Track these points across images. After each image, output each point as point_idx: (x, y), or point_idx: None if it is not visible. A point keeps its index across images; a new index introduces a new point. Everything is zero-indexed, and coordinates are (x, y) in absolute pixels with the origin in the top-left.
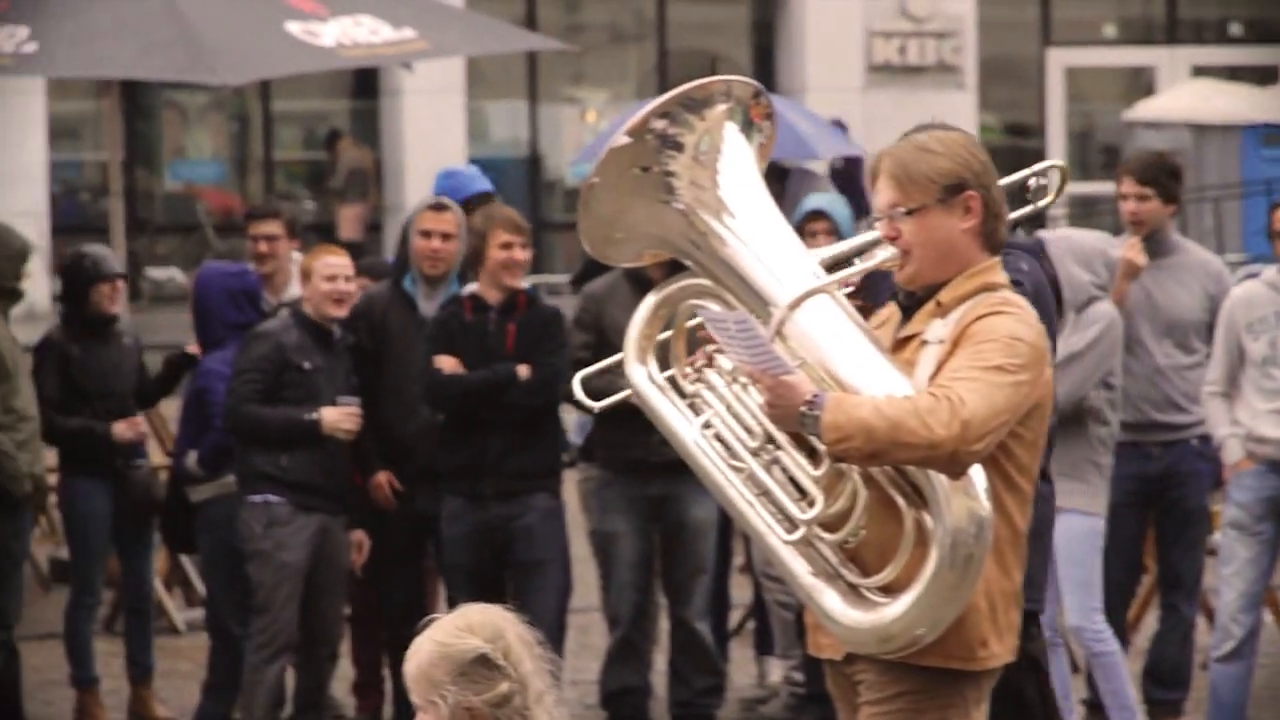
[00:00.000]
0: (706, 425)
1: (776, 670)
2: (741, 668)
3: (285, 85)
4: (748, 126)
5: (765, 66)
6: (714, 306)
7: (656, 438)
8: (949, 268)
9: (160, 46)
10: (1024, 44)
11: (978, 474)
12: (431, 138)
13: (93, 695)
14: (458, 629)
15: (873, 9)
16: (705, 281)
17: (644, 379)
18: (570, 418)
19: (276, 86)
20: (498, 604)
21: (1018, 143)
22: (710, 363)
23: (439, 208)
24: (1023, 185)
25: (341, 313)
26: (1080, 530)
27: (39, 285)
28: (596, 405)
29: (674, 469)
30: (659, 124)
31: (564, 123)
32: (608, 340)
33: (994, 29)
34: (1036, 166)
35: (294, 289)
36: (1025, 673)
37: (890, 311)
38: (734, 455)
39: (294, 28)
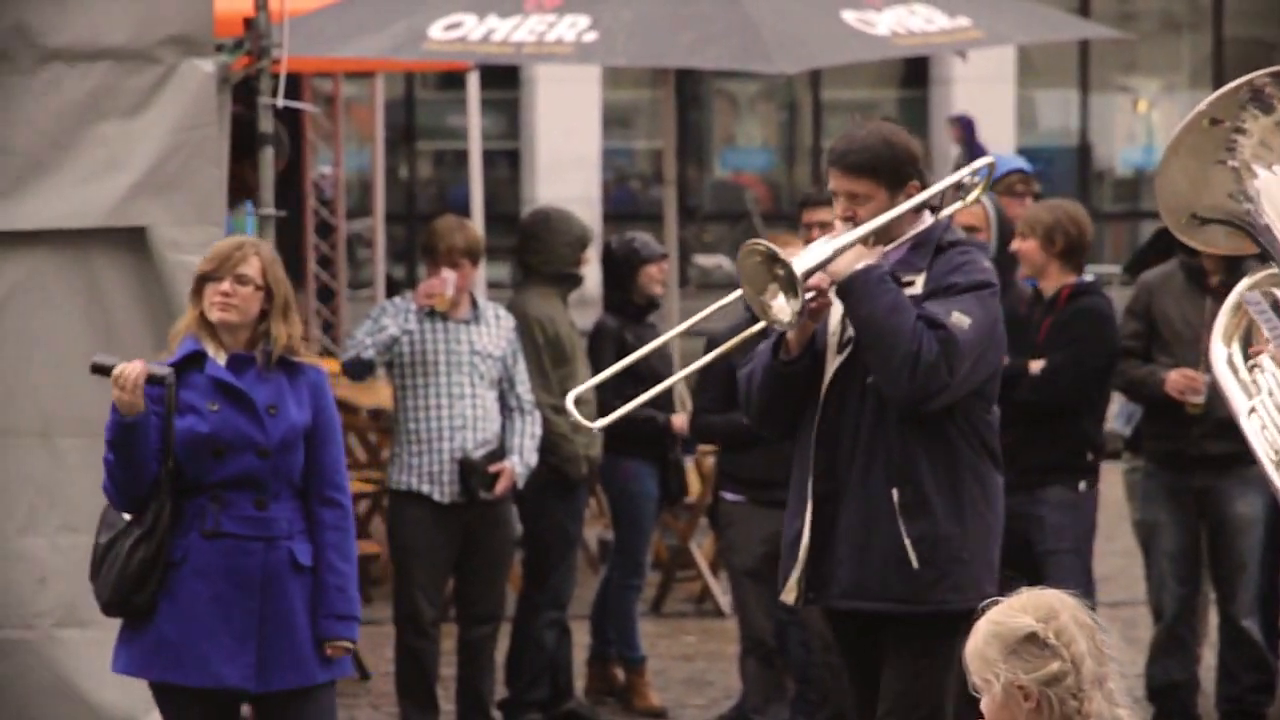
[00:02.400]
0: (1251, 411)
1: None
2: None
3: (835, 74)
4: None
5: None
6: None
7: (1196, 431)
8: None
9: (717, 36)
10: None
11: None
12: (981, 126)
13: (640, 675)
14: (1012, 609)
15: None
16: None
17: (1221, 361)
18: (1113, 407)
19: (826, 75)
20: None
21: None
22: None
23: None
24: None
25: None
26: None
27: (591, 271)
28: (595, 425)
29: (1215, 462)
30: (1262, 80)
31: (1115, 112)
32: (1156, 330)
33: None
34: (972, 165)
35: None
36: None
37: None
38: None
39: (849, 16)
